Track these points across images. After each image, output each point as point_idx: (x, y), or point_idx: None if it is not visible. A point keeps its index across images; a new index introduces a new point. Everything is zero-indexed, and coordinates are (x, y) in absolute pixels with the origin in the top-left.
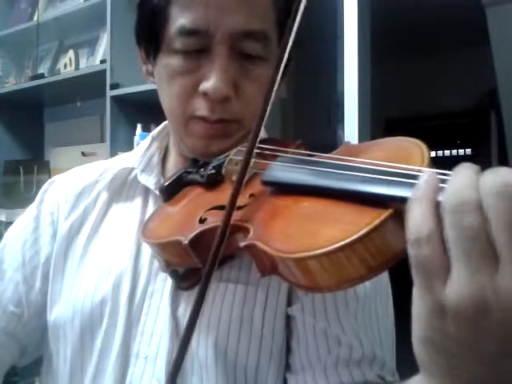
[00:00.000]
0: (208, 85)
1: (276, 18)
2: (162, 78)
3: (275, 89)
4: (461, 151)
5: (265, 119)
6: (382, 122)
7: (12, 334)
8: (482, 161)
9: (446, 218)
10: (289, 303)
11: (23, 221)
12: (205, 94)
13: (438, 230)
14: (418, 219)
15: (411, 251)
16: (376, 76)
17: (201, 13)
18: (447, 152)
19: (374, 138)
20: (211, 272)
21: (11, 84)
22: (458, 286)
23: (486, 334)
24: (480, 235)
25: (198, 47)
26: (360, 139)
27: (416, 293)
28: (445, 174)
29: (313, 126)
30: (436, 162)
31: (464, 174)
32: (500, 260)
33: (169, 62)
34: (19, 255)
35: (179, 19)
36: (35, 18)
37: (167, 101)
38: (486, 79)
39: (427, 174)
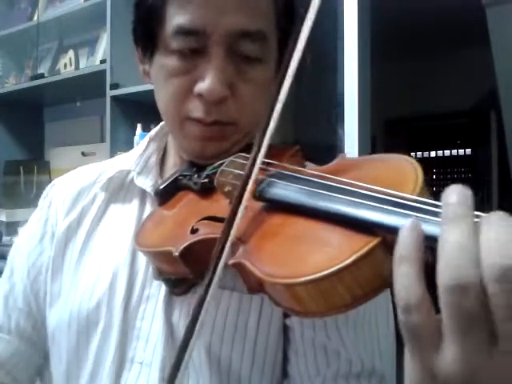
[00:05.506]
0: (203, 86)
1: (276, 20)
2: (158, 79)
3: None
4: (461, 151)
5: (267, 139)
6: (381, 122)
7: (30, 341)
8: (482, 161)
9: (440, 294)
10: (286, 313)
11: (29, 229)
12: (200, 96)
13: (427, 297)
14: (405, 284)
15: (401, 317)
16: (376, 76)
17: (198, 13)
18: (447, 152)
19: (374, 138)
20: (207, 292)
21: (11, 84)
22: (450, 361)
23: None
24: (479, 318)
25: (195, 47)
26: (360, 139)
27: (408, 356)
28: (435, 206)
29: (313, 126)
30: (436, 162)
31: (458, 235)
32: (498, 342)
33: (165, 62)
34: (25, 264)
35: (176, 19)
36: (35, 18)
37: (163, 101)
38: (486, 79)
39: (409, 234)
